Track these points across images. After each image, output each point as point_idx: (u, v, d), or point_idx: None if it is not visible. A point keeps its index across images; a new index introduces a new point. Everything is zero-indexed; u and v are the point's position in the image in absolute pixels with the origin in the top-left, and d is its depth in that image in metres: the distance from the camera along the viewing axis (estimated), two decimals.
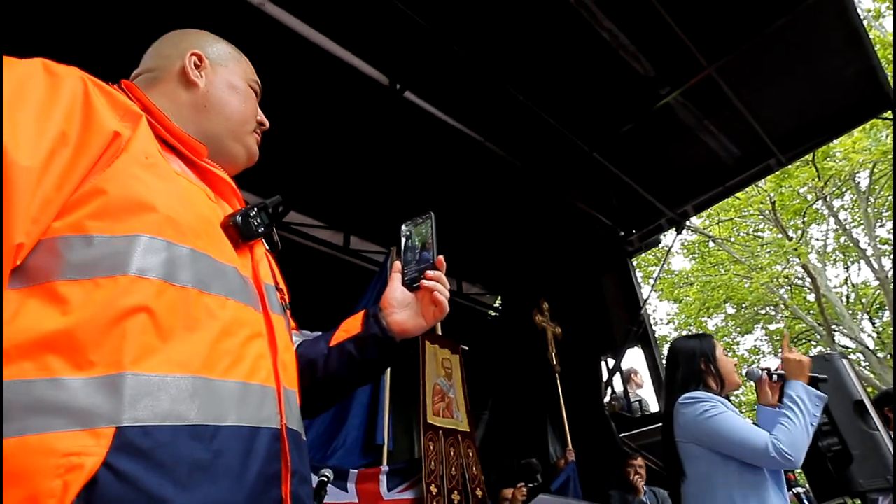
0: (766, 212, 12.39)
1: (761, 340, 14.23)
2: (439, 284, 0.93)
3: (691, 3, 3.56)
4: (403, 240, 1.00)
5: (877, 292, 11.97)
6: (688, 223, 6.55)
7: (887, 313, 11.53)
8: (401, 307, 0.95)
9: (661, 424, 5.36)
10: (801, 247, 11.59)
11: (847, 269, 12.97)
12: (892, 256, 11.10)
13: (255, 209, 0.82)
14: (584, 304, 6.03)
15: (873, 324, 12.71)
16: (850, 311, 12.13)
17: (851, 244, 12.08)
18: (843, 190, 11.99)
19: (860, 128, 8.17)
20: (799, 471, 2.09)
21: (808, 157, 9.85)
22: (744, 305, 13.36)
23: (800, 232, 12.36)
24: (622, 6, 3.53)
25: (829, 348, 11.31)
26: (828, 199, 11.92)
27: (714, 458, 1.86)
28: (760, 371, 2.06)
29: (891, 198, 11.15)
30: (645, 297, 5.82)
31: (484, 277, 6.63)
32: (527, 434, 5.70)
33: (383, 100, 3.90)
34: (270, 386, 0.72)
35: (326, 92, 3.82)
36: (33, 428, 0.53)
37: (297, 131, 4.03)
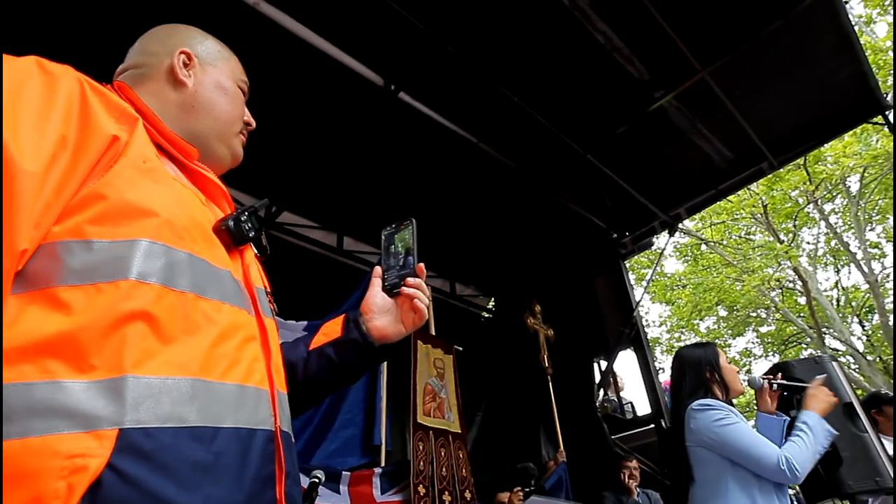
0: (758, 215, 12.48)
1: (753, 343, 14.34)
2: (419, 291, 0.95)
3: (685, 7, 3.58)
4: (384, 245, 1.00)
5: (866, 295, 12.08)
6: (680, 226, 6.58)
7: (877, 316, 11.62)
8: (381, 313, 0.96)
9: (652, 426, 5.35)
10: (793, 250, 11.68)
11: (837, 272, 13.09)
12: (892, 256, 11.21)
13: (246, 213, 0.82)
14: (576, 306, 6.04)
15: (863, 327, 12.82)
16: (841, 315, 12.23)
17: (842, 248, 12.18)
18: (834, 194, 12.10)
19: (851, 132, 8.25)
20: None
21: (800, 160, 9.93)
22: (735, 308, 13.45)
23: (791, 235, 12.46)
24: (616, 9, 3.54)
25: (819, 351, 11.39)
26: (819, 202, 12.02)
27: (724, 462, 1.93)
28: (762, 380, 2.14)
29: (881, 202, 11.26)
30: (637, 299, 5.84)
31: (477, 279, 6.63)
32: (519, 436, 5.70)
33: (377, 100, 3.89)
34: (265, 388, 0.73)
35: (321, 92, 3.81)
36: (36, 430, 0.53)
37: (291, 132, 4.02)
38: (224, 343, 0.68)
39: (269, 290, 0.90)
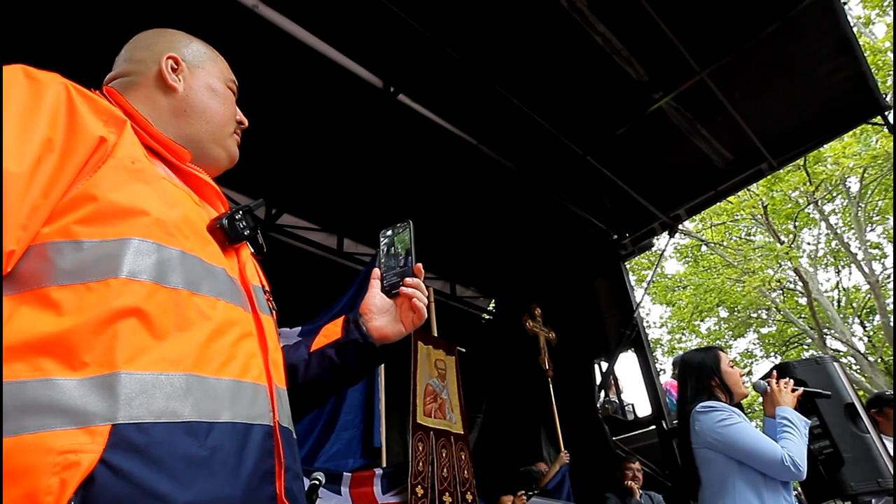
0: (758, 216, 12.48)
1: (753, 344, 14.33)
2: (418, 291, 0.96)
3: (684, 8, 3.59)
4: (383, 246, 1.02)
5: (867, 296, 12.07)
6: (680, 227, 6.58)
7: (878, 317, 11.61)
8: (380, 313, 0.97)
9: (653, 427, 5.34)
10: (793, 251, 11.67)
11: (838, 272, 13.08)
12: (892, 257, 11.21)
13: (241, 212, 0.83)
14: (577, 308, 6.04)
15: (864, 327, 12.81)
16: (842, 315, 12.22)
17: (842, 248, 12.18)
18: (834, 194, 12.09)
19: (850, 133, 8.25)
20: None
21: (800, 161, 9.93)
22: (736, 309, 13.44)
23: (791, 236, 12.45)
24: (615, 11, 3.55)
25: (820, 352, 11.38)
26: (819, 203, 12.02)
27: (730, 462, 1.96)
28: (766, 384, 2.16)
29: (881, 202, 11.26)
30: (638, 300, 5.84)
31: (478, 280, 6.63)
32: (520, 438, 5.70)
33: (377, 103, 3.90)
34: (262, 384, 0.73)
35: (320, 95, 3.81)
36: (29, 427, 0.54)
37: (291, 134, 4.03)
38: (219, 339, 0.69)
39: (266, 287, 0.90)
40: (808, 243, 13.10)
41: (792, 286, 12.84)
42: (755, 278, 11.89)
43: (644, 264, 13.38)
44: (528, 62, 3.89)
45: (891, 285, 11.18)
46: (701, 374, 2.16)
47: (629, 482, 4.40)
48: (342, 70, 3.66)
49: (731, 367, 2.17)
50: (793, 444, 1.87)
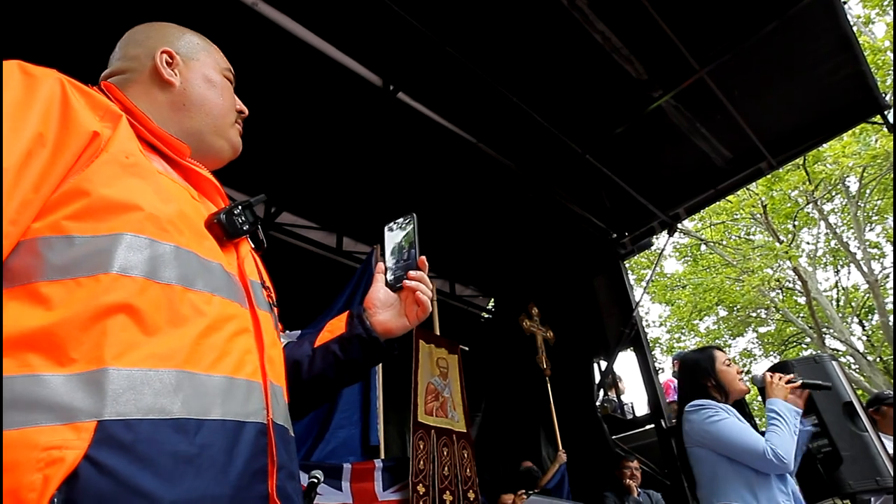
0: (758, 215, 12.48)
1: (753, 343, 14.35)
2: (422, 284, 0.95)
3: (684, 7, 3.58)
4: (386, 241, 1.01)
5: (866, 296, 12.08)
6: (680, 226, 6.58)
7: (877, 316, 11.62)
8: (384, 307, 0.96)
9: (652, 426, 5.35)
10: (792, 250, 11.68)
11: (837, 272, 13.08)
12: (892, 256, 11.21)
13: (240, 207, 0.82)
14: (576, 307, 6.04)
15: (863, 327, 12.83)
16: (841, 315, 12.23)
17: (841, 248, 12.18)
18: (833, 194, 12.10)
19: (850, 132, 8.25)
20: None
21: (799, 160, 9.93)
22: (735, 308, 13.45)
23: (790, 235, 12.46)
24: (615, 9, 3.54)
25: (819, 351, 11.40)
26: (818, 202, 12.02)
27: (720, 459, 1.98)
28: (762, 378, 2.16)
29: (880, 202, 11.26)
30: (637, 299, 5.84)
31: (477, 279, 6.63)
32: (519, 437, 5.70)
33: (376, 101, 3.89)
34: (257, 381, 0.72)
35: (320, 93, 3.81)
36: (14, 423, 0.54)
37: (290, 132, 4.02)
38: (213, 335, 0.68)
39: (267, 283, 0.90)
40: (808, 242, 13.12)
41: (791, 285, 12.85)
42: (754, 277, 11.90)
43: (643, 263, 13.39)
44: (528, 61, 3.89)
45: (890, 285, 11.20)
46: (696, 375, 2.19)
47: (627, 481, 4.41)
48: (341, 68, 3.65)
49: (728, 365, 2.18)
50: (777, 436, 1.88)
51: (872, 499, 2.54)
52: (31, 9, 2.93)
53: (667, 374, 9.35)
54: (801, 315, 12.60)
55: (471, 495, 3.80)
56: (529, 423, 5.70)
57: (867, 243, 11.62)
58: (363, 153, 4.36)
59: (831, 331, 11.86)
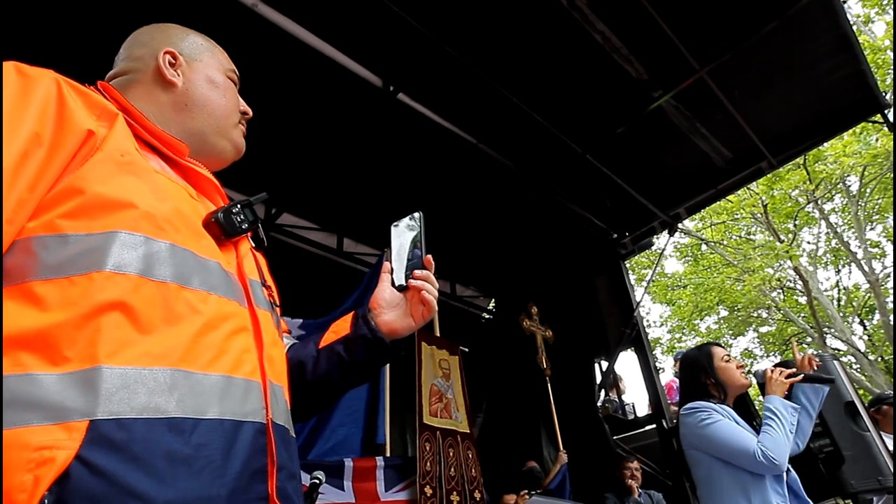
0: (758, 215, 12.47)
1: (754, 343, 14.33)
2: (427, 284, 0.93)
3: (684, 7, 3.58)
4: (392, 240, 1.00)
5: (867, 295, 12.06)
6: (680, 226, 6.57)
7: (878, 316, 11.61)
8: (389, 307, 0.95)
9: (653, 426, 5.34)
10: (793, 250, 11.67)
11: (838, 272, 13.08)
12: (892, 255, 11.20)
13: (239, 206, 0.82)
14: (576, 307, 6.03)
15: (864, 326, 12.81)
16: (842, 314, 12.22)
17: (842, 247, 12.17)
18: (834, 193, 12.09)
19: (850, 131, 8.25)
20: None
21: (800, 160, 9.93)
22: (736, 308, 13.44)
23: (791, 235, 12.45)
24: (615, 9, 3.54)
25: (820, 350, 11.38)
26: (819, 202, 12.01)
27: (714, 460, 1.97)
28: (763, 373, 2.14)
29: (880, 201, 11.25)
30: (638, 299, 5.83)
31: (477, 280, 6.62)
32: (520, 437, 5.69)
33: (376, 101, 3.89)
34: (255, 380, 0.71)
35: (319, 93, 3.81)
36: (6, 423, 0.53)
37: (291, 133, 4.02)
38: (210, 333, 0.67)
39: (268, 282, 0.89)
40: (808, 242, 13.12)
41: (792, 285, 12.84)
42: (755, 277, 11.89)
43: (644, 263, 13.39)
44: (528, 61, 3.89)
45: (891, 284, 11.18)
46: (694, 374, 2.17)
47: (628, 481, 4.40)
48: (341, 69, 3.65)
49: (726, 361, 2.15)
50: (770, 437, 1.86)
51: (874, 498, 2.54)
52: (32, 10, 2.93)
53: (668, 374, 9.35)
54: (802, 315, 12.59)
55: (477, 495, 3.80)
56: (531, 424, 5.69)
57: (868, 242, 11.61)
58: (363, 154, 4.36)
59: (832, 330, 11.84)
